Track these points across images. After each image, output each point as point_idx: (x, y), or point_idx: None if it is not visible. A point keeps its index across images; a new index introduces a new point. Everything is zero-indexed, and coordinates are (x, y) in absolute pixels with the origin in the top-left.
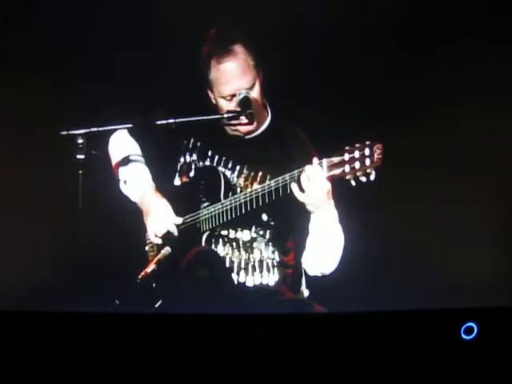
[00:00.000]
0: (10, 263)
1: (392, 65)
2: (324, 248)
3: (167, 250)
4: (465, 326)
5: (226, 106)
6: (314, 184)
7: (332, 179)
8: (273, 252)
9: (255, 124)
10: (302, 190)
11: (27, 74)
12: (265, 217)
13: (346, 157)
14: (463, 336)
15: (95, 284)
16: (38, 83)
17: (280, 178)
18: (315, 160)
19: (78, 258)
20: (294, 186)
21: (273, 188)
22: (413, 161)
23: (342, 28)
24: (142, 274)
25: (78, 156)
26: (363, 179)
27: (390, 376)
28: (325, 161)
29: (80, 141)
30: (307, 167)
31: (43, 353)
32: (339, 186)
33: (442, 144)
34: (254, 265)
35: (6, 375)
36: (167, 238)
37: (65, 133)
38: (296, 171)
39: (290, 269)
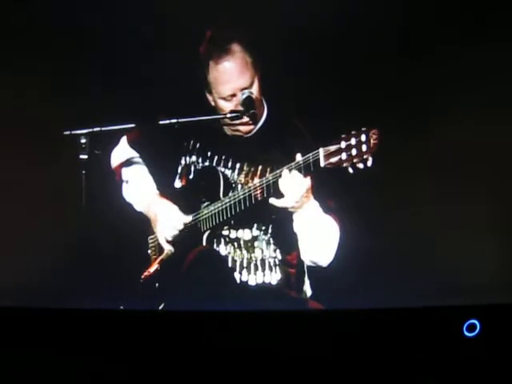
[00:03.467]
0: (12, 263)
1: (389, 56)
2: (314, 242)
3: (170, 250)
4: (467, 323)
5: (226, 106)
6: (290, 188)
7: (329, 167)
8: (274, 250)
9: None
10: (280, 196)
11: (30, 73)
12: (265, 213)
13: (343, 144)
14: (465, 333)
15: (97, 286)
16: (40, 83)
17: (278, 172)
18: (298, 156)
19: (80, 258)
20: (272, 198)
21: (271, 182)
22: (412, 156)
23: (338, 20)
24: (145, 274)
25: (81, 156)
26: (360, 166)
27: (393, 373)
28: (321, 150)
29: (83, 141)
30: (283, 172)
31: (45, 350)
32: (337, 176)
33: (443, 139)
34: (256, 264)
35: (7, 372)
36: (176, 240)
37: (68, 132)
38: (293, 163)
39: (293, 268)
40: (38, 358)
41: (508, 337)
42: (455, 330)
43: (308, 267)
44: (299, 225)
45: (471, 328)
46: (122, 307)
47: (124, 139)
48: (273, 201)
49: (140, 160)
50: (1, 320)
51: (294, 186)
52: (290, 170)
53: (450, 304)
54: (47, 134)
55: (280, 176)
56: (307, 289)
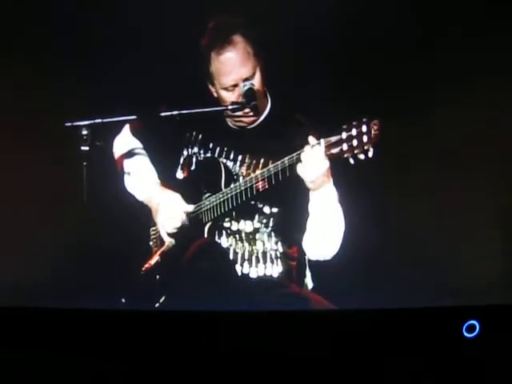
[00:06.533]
0: (11, 259)
1: (391, 48)
2: (324, 229)
3: (171, 241)
4: (467, 324)
5: (229, 97)
6: (312, 161)
7: (330, 158)
8: (276, 243)
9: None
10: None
11: (31, 65)
12: (266, 205)
13: (344, 135)
14: (465, 334)
15: (98, 278)
16: (41, 75)
17: (279, 163)
18: (312, 139)
19: (80, 250)
20: (300, 164)
21: (272, 173)
22: (413, 149)
23: (339, 11)
24: (146, 265)
25: (83, 147)
26: (361, 157)
27: (392, 374)
28: (323, 140)
29: (84, 132)
30: (306, 147)
31: (45, 350)
32: (338, 168)
33: (446, 132)
34: (257, 256)
35: (7, 372)
36: (177, 231)
37: (69, 124)
38: (294, 154)
39: (294, 261)
40: (38, 358)
41: (507, 337)
42: (455, 330)
43: (309, 260)
44: (314, 206)
45: (471, 329)
46: (123, 300)
47: (127, 128)
48: (298, 167)
49: (142, 151)
50: (1, 320)
51: (315, 160)
52: (291, 163)
53: (449, 304)
54: (48, 126)
55: (284, 166)
56: (308, 281)
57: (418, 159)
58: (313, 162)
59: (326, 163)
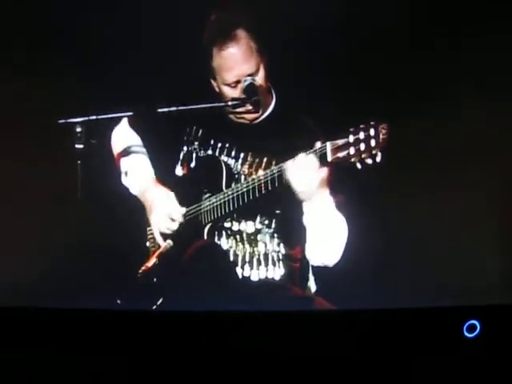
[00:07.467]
0: (7, 259)
1: (396, 49)
2: (323, 238)
3: (169, 243)
4: (467, 323)
5: (231, 93)
6: (304, 173)
7: (336, 162)
8: (278, 244)
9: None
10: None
11: (31, 65)
12: (268, 206)
13: (351, 138)
14: (465, 334)
15: (94, 280)
16: (41, 74)
17: (282, 164)
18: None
19: (76, 251)
20: (290, 174)
21: (276, 175)
22: (411, 151)
23: (345, 9)
24: (143, 268)
25: (77, 145)
26: (369, 161)
27: (392, 374)
28: (329, 144)
29: (79, 129)
30: (299, 156)
31: (45, 350)
32: (344, 173)
33: (444, 135)
34: (258, 258)
35: (7, 372)
36: (171, 231)
37: (63, 121)
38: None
39: (297, 262)
40: (38, 358)
41: (508, 338)
42: (455, 330)
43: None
44: (308, 218)
45: (471, 329)
46: (118, 301)
47: (125, 120)
48: (291, 177)
49: (141, 148)
50: (1, 320)
51: (307, 170)
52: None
53: (450, 304)
54: (41, 123)
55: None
56: (311, 284)
57: (417, 159)
58: (304, 172)
59: (320, 175)
